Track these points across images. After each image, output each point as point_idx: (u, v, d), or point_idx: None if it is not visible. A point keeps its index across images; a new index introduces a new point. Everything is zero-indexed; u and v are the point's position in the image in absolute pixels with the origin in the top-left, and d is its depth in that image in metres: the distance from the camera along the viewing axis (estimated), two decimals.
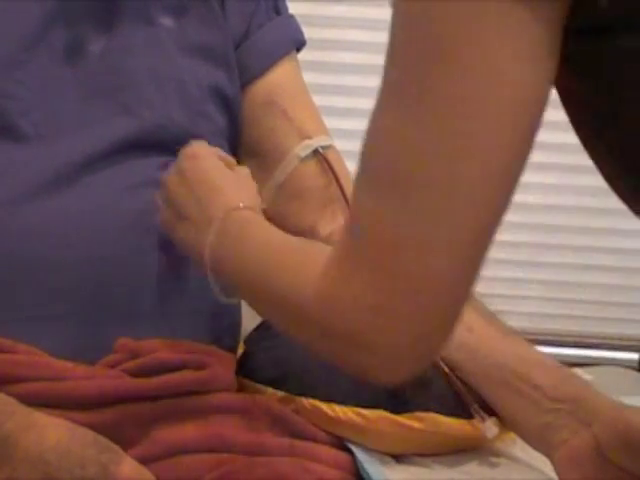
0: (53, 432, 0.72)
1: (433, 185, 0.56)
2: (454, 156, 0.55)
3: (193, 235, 0.81)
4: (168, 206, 0.85)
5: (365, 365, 0.62)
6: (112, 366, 0.83)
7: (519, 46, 0.55)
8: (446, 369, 0.82)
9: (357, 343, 0.60)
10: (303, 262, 0.67)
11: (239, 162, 0.98)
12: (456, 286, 0.59)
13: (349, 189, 0.95)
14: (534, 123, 0.57)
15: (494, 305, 0.94)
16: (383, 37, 0.65)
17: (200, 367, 0.83)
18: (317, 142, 0.95)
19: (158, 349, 0.84)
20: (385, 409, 0.81)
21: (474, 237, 0.58)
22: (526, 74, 0.55)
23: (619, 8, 0.54)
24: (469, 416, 0.82)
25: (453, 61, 0.54)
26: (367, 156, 0.59)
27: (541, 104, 0.57)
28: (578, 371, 0.86)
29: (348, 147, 0.99)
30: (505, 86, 0.55)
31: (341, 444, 0.83)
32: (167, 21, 0.94)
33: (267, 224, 0.78)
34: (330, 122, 0.99)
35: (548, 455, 0.78)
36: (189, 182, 0.83)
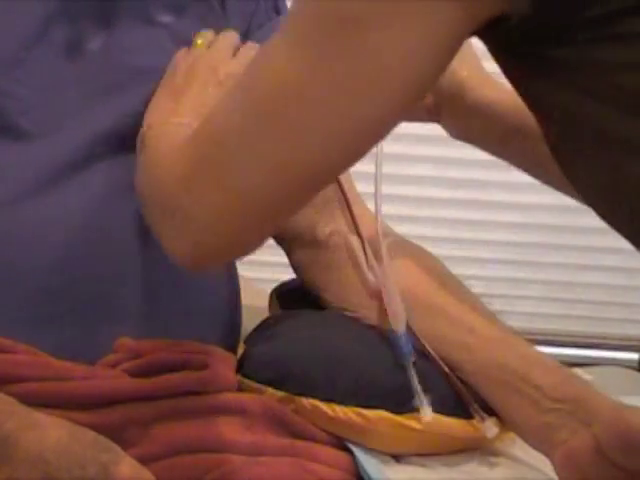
0: (53, 432, 0.72)
1: (294, 124, 0.61)
2: (324, 112, 0.60)
3: (169, 106, 0.84)
4: (187, 66, 0.87)
5: (169, 237, 0.70)
6: (112, 366, 0.83)
7: (427, 36, 0.57)
8: (446, 369, 0.82)
9: (172, 214, 0.68)
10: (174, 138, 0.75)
11: None
12: (263, 210, 0.65)
13: (349, 189, 0.95)
14: (401, 111, 0.61)
15: (494, 305, 0.94)
16: None
17: (200, 367, 0.83)
18: None
19: (158, 349, 0.84)
20: (385, 409, 0.81)
21: (298, 180, 0.63)
22: (424, 64, 0.59)
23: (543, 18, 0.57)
24: (469, 416, 0.82)
25: (360, 31, 0.58)
26: (252, 76, 0.64)
27: (414, 98, 0.61)
28: (578, 371, 0.86)
29: None
30: (397, 70, 0.58)
31: (341, 444, 0.83)
32: (167, 20, 0.94)
33: None
34: None
35: (548, 455, 0.78)
36: (220, 74, 0.86)
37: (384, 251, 0.87)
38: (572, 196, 0.83)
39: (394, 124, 0.63)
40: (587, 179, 0.64)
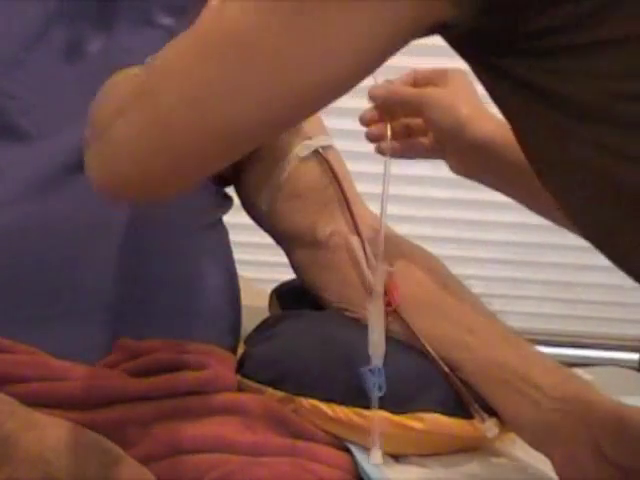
0: (53, 432, 0.72)
1: (230, 75, 0.62)
2: (262, 70, 0.61)
3: None
4: None
5: (92, 159, 0.71)
6: (112, 366, 0.83)
7: (378, 24, 0.59)
8: (446, 369, 0.82)
9: (101, 136, 0.69)
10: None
11: (239, 162, 0.98)
12: (188, 154, 0.65)
13: (349, 189, 0.95)
14: (338, 88, 0.63)
15: (494, 305, 0.94)
16: None
17: (200, 367, 0.83)
18: (317, 142, 0.95)
19: (158, 349, 0.84)
20: (385, 409, 0.81)
21: (224, 132, 0.63)
22: (370, 49, 0.60)
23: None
24: (469, 416, 0.82)
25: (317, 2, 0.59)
26: (206, 22, 0.65)
27: (354, 77, 0.63)
28: (578, 371, 0.86)
29: (348, 147, 0.99)
30: (343, 47, 0.59)
31: (341, 444, 0.83)
32: (167, 22, 0.94)
33: None
34: (330, 122, 0.99)
35: (548, 455, 0.78)
36: None
37: (378, 287, 0.86)
38: (573, 231, 0.84)
39: (329, 99, 0.64)
40: (563, 192, 0.64)
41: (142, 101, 0.66)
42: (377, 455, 0.80)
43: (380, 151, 0.96)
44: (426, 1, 0.58)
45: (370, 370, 0.81)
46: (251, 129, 0.64)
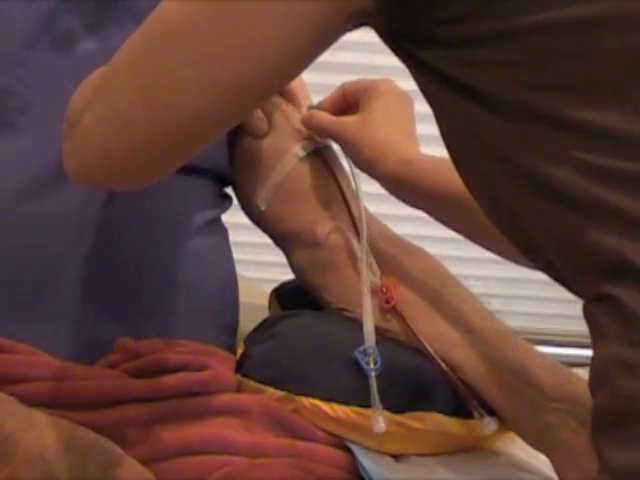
0: (53, 432, 0.72)
1: (168, 65, 0.64)
2: (197, 57, 0.63)
3: None
4: None
5: (66, 151, 0.74)
6: (112, 366, 0.83)
7: (301, 16, 0.61)
8: (445, 368, 0.83)
9: (73, 129, 0.72)
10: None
11: (237, 161, 0.99)
12: (148, 143, 0.67)
13: (348, 189, 0.95)
14: (269, 79, 0.65)
15: (493, 305, 0.94)
16: None
17: (201, 368, 0.83)
18: (315, 142, 0.95)
19: (158, 349, 0.84)
20: (386, 409, 0.81)
21: (174, 123, 0.66)
22: (296, 39, 0.62)
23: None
24: (469, 416, 0.82)
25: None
26: (150, 15, 0.67)
27: (283, 69, 0.65)
28: (578, 371, 0.86)
29: None
30: (270, 36, 0.62)
31: (341, 444, 0.83)
32: None
33: None
34: None
35: (548, 455, 0.78)
36: None
37: (364, 267, 0.87)
38: (500, 253, 0.85)
39: (263, 90, 0.66)
40: (479, 183, 0.65)
41: (101, 93, 0.69)
42: (381, 422, 0.79)
43: None
44: None
45: (363, 351, 0.82)
46: (196, 117, 0.65)
